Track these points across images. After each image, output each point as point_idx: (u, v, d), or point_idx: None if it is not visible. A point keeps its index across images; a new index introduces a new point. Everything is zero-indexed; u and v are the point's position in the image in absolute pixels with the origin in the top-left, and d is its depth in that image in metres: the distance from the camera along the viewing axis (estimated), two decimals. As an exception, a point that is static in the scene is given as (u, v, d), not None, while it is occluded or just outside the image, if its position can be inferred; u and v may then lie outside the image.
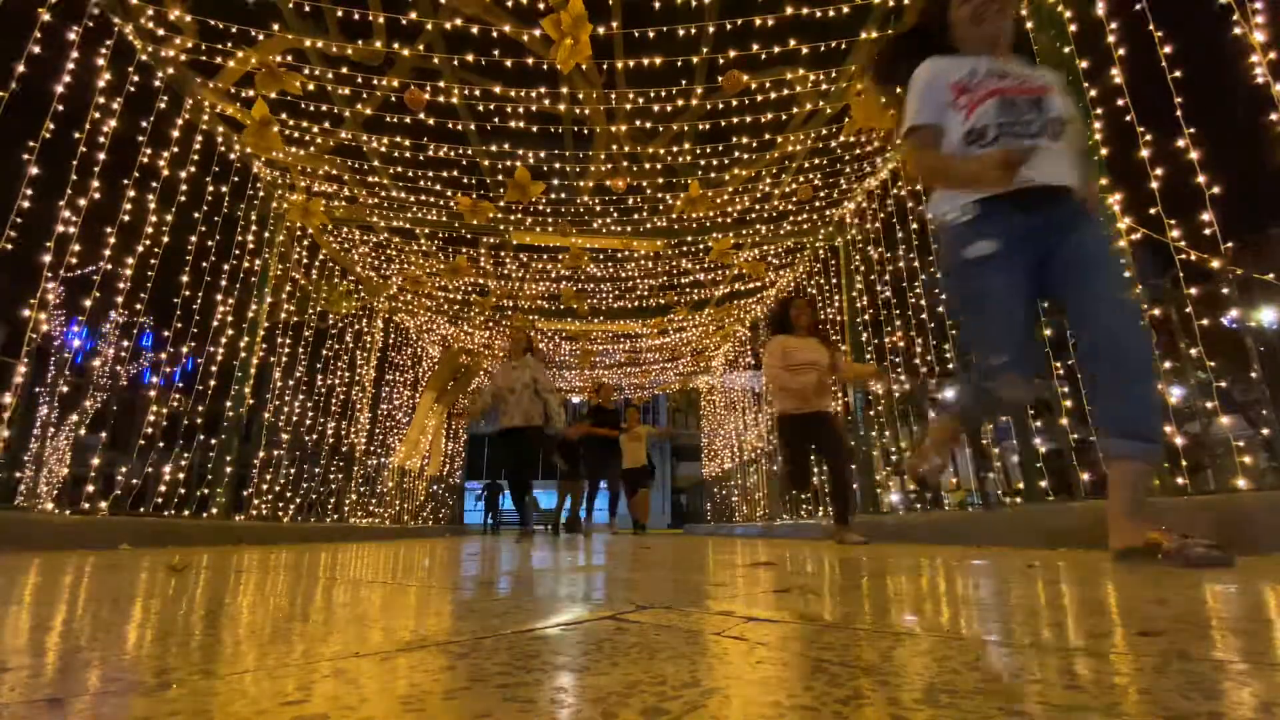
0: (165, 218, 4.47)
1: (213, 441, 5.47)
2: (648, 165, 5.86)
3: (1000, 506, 4.03)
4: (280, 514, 6.33)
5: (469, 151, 5.51)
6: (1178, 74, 3.01)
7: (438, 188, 6.02)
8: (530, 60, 4.72)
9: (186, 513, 4.90)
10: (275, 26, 4.47)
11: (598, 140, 5.61)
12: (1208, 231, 2.82)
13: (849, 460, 4.78)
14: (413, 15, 4.53)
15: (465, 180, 5.94)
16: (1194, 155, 2.88)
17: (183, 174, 4.64)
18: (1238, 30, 2.77)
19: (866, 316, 6.34)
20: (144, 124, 4.29)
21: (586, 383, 13.56)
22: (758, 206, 6.68)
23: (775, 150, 5.53)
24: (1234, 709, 0.45)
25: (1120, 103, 3.24)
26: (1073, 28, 3.52)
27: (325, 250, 7.11)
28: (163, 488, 4.64)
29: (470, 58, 4.72)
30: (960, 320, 2.30)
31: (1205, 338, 2.88)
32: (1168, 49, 3.05)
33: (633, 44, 4.64)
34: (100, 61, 3.93)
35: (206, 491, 5.27)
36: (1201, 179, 2.83)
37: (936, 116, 1.94)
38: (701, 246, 7.20)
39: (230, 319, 5.42)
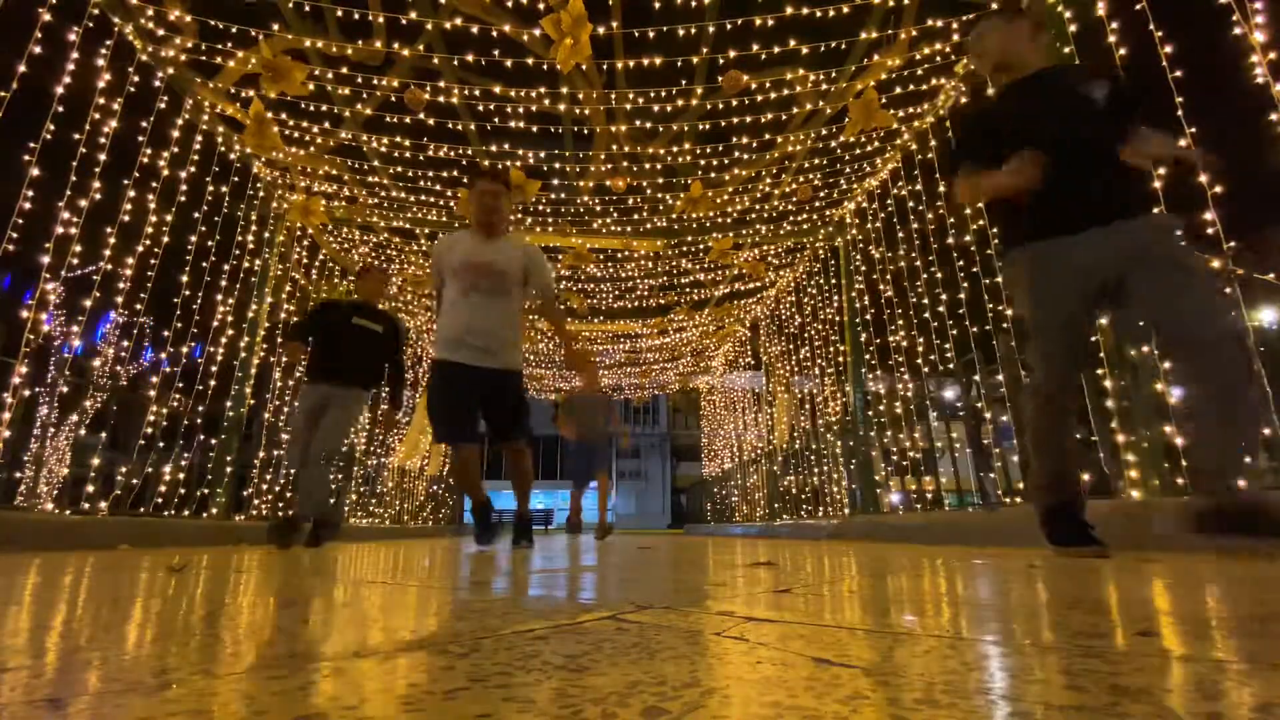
0: (165, 218, 4.47)
1: (213, 441, 5.47)
2: (648, 165, 5.86)
3: (1000, 506, 4.03)
4: (280, 514, 6.33)
5: (469, 151, 5.51)
6: (1178, 74, 3.01)
7: (438, 188, 6.02)
8: (530, 60, 4.72)
9: (186, 513, 4.90)
10: (275, 26, 4.47)
11: (598, 140, 5.61)
12: (1210, 231, 2.81)
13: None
14: (413, 15, 4.53)
15: (465, 180, 5.94)
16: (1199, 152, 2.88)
17: (183, 174, 4.64)
18: (1238, 30, 2.77)
19: (867, 317, 6.34)
20: (144, 124, 4.29)
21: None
22: (758, 206, 6.68)
23: (775, 150, 5.53)
24: (1234, 709, 0.45)
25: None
26: (1073, 28, 3.52)
27: (325, 250, 7.11)
28: (163, 488, 4.64)
29: (470, 58, 4.72)
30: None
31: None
32: (1168, 49, 3.05)
33: (633, 44, 4.65)
34: (100, 61, 3.93)
35: (206, 491, 5.27)
36: (1204, 178, 2.83)
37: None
38: (701, 246, 7.20)
39: (230, 319, 5.42)
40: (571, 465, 7.46)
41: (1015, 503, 3.93)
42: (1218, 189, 2.81)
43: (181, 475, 4.84)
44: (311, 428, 4.11)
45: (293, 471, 4.58)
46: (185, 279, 4.82)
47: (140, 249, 4.33)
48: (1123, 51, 3.25)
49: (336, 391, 4.18)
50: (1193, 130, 2.90)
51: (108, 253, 4.05)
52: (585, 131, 5.69)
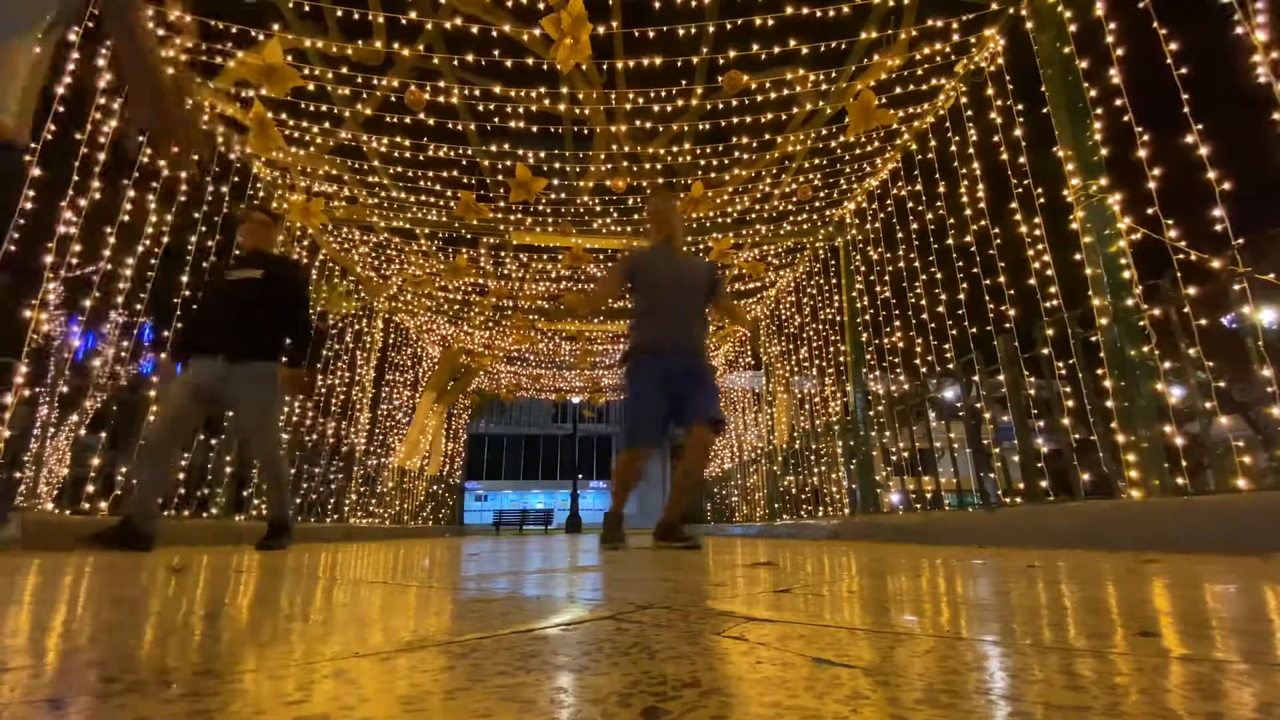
0: (165, 218, 4.48)
1: (213, 442, 5.47)
2: (648, 165, 5.86)
3: (1000, 506, 4.03)
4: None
5: (469, 151, 5.51)
6: (1183, 71, 3.01)
7: (438, 188, 6.02)
8: (530, 60, 4.73)
9: (186, 513, 4.90)
10: (275, 26, 4.48)
11: (598, 140, 5.61)
12: (1219, 227, 2.81)
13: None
14: (413, 15, 4.53)
15: (465, 180, 5.95)
16: (1203, 152, 2.88)
17: (183, 174, 4.64)
18: (1239, 30, 2.77)
19: (867, 317, 6.34)
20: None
21: (587, 383, 13.55)
22: (758, 206, 6.68)
23: (775, 150, 5.53)
24: (1234, 709, 0.45)
25: (1120, 103, 3.25)
26: (1073, 28, 3.52)
27: (325, 250, 7.11)
28: (163, 488, 4.64)
29: (470, 58, 4.72)
30: None
31: (1204, 338, 2.88)
32: (1171, 46, 3.06)
33: (633, 44, 4.65)
34: (100, 62, 3.93)
35: (206, 491, 5.27)
36: (1212, 174, 2.84)
37: None
38: (701, 246, 7.20)
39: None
40: (635, 409, 3.52)
41: (1015, 503, 3.93)
42: (1225, 186, 2.81)
43: (181, 475, 4.84)
44: (195, 412, 3.40)
45: (142, 455, 3.38)
46: (185, 279, 4.82)
47: (140, 249, 4.33)
48: (1120, 51, 3.25)
49: (235, 371, 3.37)
50: (1199, 127, 2.90)
51: (108, 253, 4.05)
52: (585, 131, 5.69)
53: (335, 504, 7.63)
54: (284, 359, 3.63)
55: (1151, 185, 3.06)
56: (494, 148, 5.52)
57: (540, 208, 6.57)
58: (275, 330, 3.55)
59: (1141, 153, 3.10)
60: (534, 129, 5.45)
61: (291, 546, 3.70)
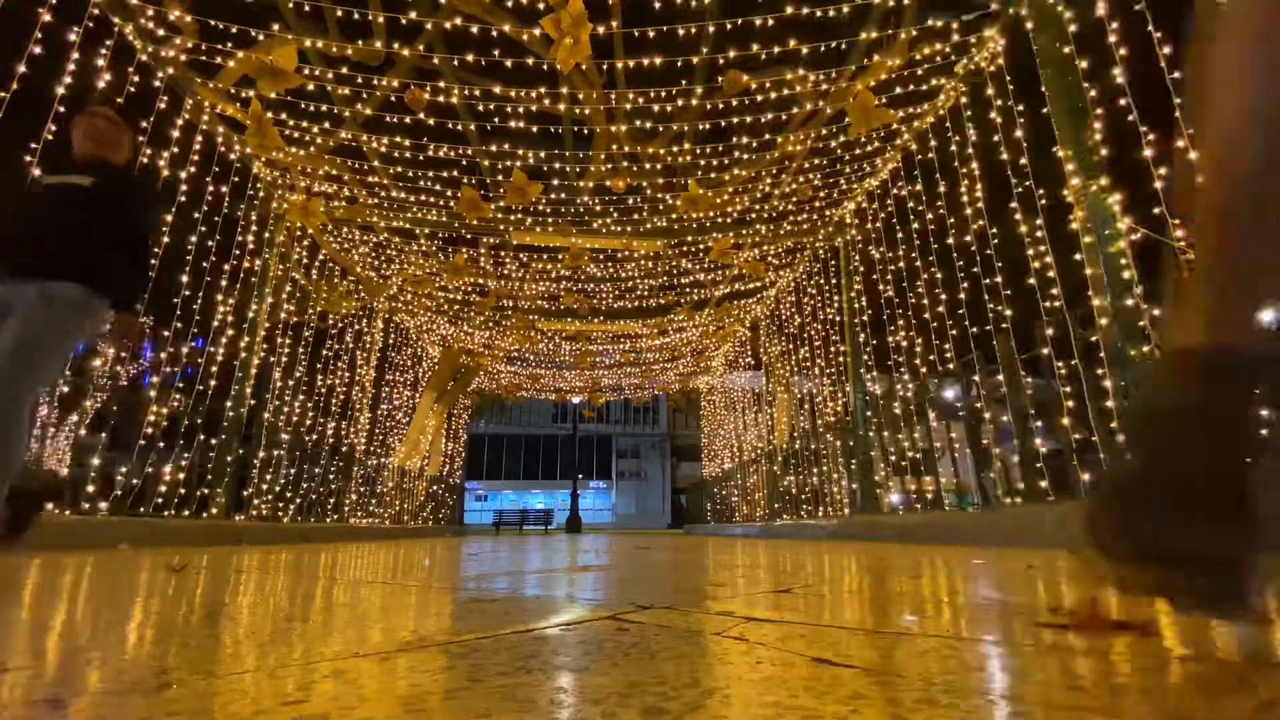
0: (165, 217, 4.47)
1: (213, 441, 5.47)
2: (648, 165, 5.86)
3: (1000, 506, 4.03)
4: (280, 514, 6.33)
5: (469, 151, 5.51)
6: (1176, 75, 3.02)
7: (438, 188, 6.02)
8: (530, 60, 4.73)
9: (186, 513, 4.90)
10: (275, 26, 4.48)
11: (598, 140, 5.61)
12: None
13: None
14: (413, 15, 4.53)
15: (465, 180, 5.95)
16: (1194, 155, 2.88)
17: (183, 174, 4.64)
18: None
19: (867, 317, 6.34)
20: (144, 124, 4.29)
21: (587, 383, 13.55)
22: (758, 206, 6.68)
23: (775, 150, 5.53)
24: (1234, 709, 0.45)
25: (1120, 103, 3.25)
26: (1073, 28, 3.53)
27: (325, 250, 7.11)
28: (163, 488, 4.64)
29: (470, 58, 4.72)
30: None
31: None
32: (1167, 49, 3.06)
33: (633, 44, 4.65)
34: (100, 61, 3.93)
35: (206, 491, 5.27)
36: (1202, 179, 2.83)
37: None
38: (701, 246, 7.20)
39: (230, 319, 5.42)
40: None
41: (1015, 503, 3.93)
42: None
43: (181, 475, 4.84)
44: None
45: None
46: (185, 279, 4.82)
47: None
48: (1123, 52, 3.25)
49: (16, 290, 2.51)
50: (1190, 131, 2.90)
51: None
52: (585, 131, 5.69)
53: (335, 504, 7.63)
54: (113, 297, 2.72)
55: (1156, 185, 3.06)
56: (494, 148, 5.52)
57: (540, 208, 6.56)
58: (95, 253, 2.67)
59: (1147, 152, 3.10)
60: (534, 129, 5.45)
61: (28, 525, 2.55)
